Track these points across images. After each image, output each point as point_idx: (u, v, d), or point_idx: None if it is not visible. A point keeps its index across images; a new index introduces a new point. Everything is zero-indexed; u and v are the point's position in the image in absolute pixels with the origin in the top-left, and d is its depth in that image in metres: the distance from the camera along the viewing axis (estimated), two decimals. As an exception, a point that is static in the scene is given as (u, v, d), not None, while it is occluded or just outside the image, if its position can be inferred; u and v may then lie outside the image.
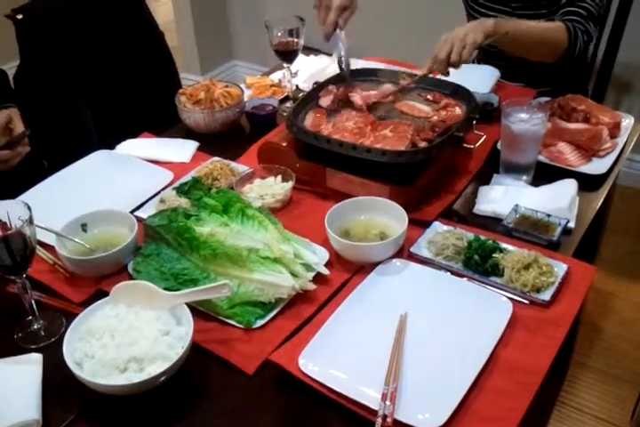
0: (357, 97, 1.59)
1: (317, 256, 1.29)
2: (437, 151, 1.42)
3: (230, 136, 1.78)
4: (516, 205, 1.40)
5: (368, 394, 1.04)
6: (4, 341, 1.20)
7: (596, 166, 1.55)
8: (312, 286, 1.23)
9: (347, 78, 1.68)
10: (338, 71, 1.72)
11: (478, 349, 1.11)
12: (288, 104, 1.87)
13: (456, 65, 1.53)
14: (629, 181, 2.81)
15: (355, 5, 1.68)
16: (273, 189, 1.48)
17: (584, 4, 1.73)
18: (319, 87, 1.66)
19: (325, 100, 1.62)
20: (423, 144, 1.43)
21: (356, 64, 1.88)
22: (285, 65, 1.80)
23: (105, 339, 1.10)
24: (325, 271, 1.27)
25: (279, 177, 1.51)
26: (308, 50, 2.08)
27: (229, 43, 3.76)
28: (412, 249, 1.32)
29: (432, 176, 1.48)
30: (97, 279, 1.29)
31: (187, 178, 1.53)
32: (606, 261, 2.41)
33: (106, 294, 1.19)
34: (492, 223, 1.42)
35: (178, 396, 1.09)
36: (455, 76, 1.62)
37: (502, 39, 1.58)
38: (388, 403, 1.01)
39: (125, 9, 2.13)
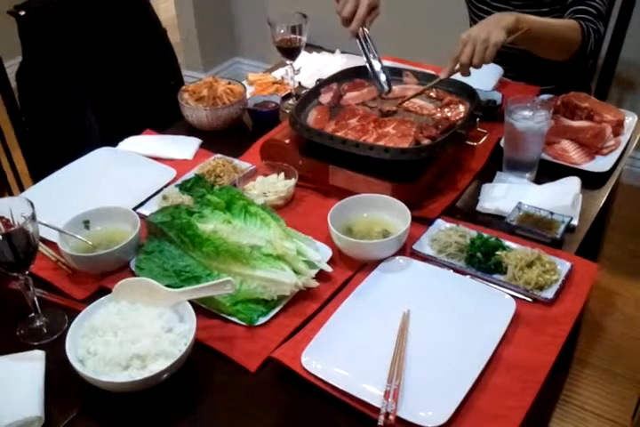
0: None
1: (320, 253, 1.29)
2: (440, 149, 1.42)
3: (233, 133, 1.78)
4: (519, 203, 1.40)
5: (371, 392, 1.04)
6: (6, 338, 1.20)
7: (600, 164, 1.55)
8: (315, 284, 1.23)
9: (383, 85, 1.61)
10: (340, 69, 1.72)
11: (481, 346, 1.11)
12: (291, 101, 1.87)
13: (478, 67, 1.49)
14: (632, 179, 2.80)
15: (379, 8, 1.62)
16: (276, 186, 1.48)
17: (593, 2, 1.70)
18: (322, 84, 1.66)
19: (326, 97, 1.61)
20: (426, 141, 1.43)
21: (363, 62, 1.87)
22: (288, 62, 1.80)
23: (107, 336, 1.10)
24: (328, 269, 1.27)
25: (282, 174, 1.51)
26: (311, 47, 2.08)
27: (232, 40, 3.76)
28: (414, 246, 1.32)
29: (435, 174, 1.48)
30: (99, 276, 1.29)
31: (189, 175, 1.53)
32: (609, 259, 2.41)
33: (108, 291, 1.19)
34: (494, 221, 1.41)
35: (180, 393, 1.09)
36: (458, 74, 1.61)
37: (522, 36, 1.52)
38: (390, 400, 1.01)
39: (128, 5, 2.13)
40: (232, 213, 1.32)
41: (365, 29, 1.61)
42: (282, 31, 1.72)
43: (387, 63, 1.85)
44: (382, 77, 1.62)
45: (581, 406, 2.05)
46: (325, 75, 1.74)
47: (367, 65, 1.63)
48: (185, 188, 1.46)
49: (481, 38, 1.45)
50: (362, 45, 1.63)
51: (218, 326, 1.19)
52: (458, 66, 1.50)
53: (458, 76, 1.61)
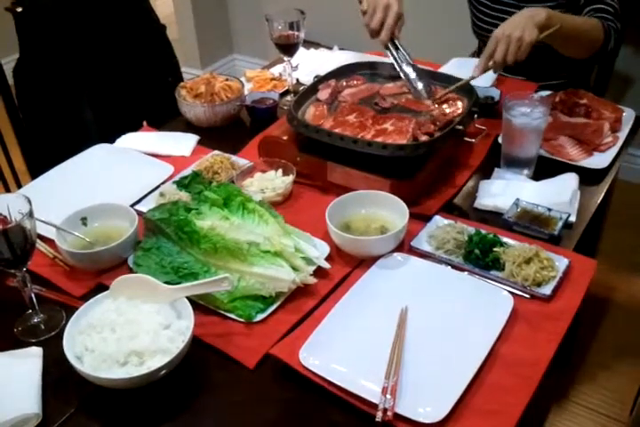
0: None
1: (318, 250, 1.29)
2: (438, 145, 1.42)
3: (231, 130, 1.78)
4: (517, 200, 1.40)
5: (369, 388, 1.04)
6: (3, 334, 1.20)
7: (598, 161, 1.55)
8: (312, 280, 1.23)
9: (421, 93, 1.59)
10: (338, 65, 1.71)
11: (479, 343, 1.11)
12: (289, 98, 1.86)
13: (512, 65, 1.48)
14: (630, 176, 2.80)
15: (404, 17, 1.60)
16: (273, 182, 1.48)
17: (610, 1, 1.69)
18: (320, 81, 1.65)
19: (323, 94, 1.61)
20: (424, 138, 1.43)
21: (361, 58, 1.87)
22: (286, 58, 1.79)
23: (105, 333, 1.10)
24: (326, 265, 1.27)
25: (280, 171, 1.51)
26: (309, 43, 2.07)
27: (230, 36, 3.75)
28: (412, 243, 1.32)
29: (433, 170, 1.48)
30: (97, 273, 1.29)
31: (187, 172, 1.53)
32: (607, 256, 2.40)
33: (106, 287, 1.19)
34: (492, 217, 1.41)
35: (178, 390, 1.09)
36: (456, 69, 1.61)
37: (552, 34, 1.49)
38: (388, 396, 1.01)
39: (126, 1, 2.12)
40: (230, 210, 1.32)
41: (395, 38, 1.61)
42: (279, 27, 1.72)
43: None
44: (419, 85, 1.61)
45: (579, 403, 2.05)
46: (323, 71, 1.74)
47: (401, 74, 1.62)
48: (182, 184, 1.46)
49: (515, 37, 1.43)
50: (392, 55, 1.62)
51: (216, 323, 1.19)
52: (491, 63, 1.49)
53: (456, 73, 1.61)
